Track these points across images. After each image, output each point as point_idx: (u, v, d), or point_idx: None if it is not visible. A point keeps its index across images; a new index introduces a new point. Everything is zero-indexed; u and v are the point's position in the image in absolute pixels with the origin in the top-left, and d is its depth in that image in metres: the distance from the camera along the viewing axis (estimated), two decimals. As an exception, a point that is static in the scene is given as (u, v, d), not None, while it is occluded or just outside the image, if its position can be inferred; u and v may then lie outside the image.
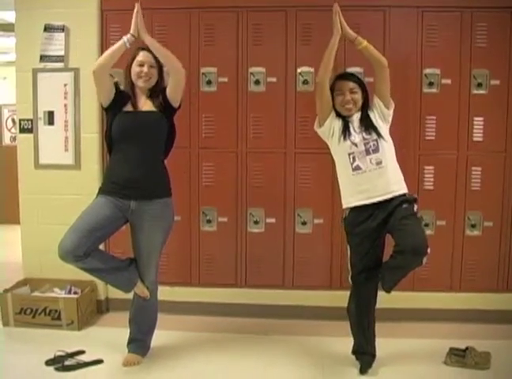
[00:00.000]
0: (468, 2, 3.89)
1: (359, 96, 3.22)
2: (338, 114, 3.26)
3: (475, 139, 3.99)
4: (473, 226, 4.03)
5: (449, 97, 3.92)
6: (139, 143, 3.21)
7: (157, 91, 3.31)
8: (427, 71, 3.94)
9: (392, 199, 3.13)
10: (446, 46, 3.93)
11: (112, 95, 3.28)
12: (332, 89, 3.25)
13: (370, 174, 3.13)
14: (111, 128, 3.25)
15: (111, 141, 3.30)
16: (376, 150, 3.14)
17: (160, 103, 3.28)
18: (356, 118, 3.23)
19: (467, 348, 3.42)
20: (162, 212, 3.31)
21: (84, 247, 3.11)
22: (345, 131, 3.19)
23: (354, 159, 3.16)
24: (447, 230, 4.04)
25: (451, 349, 3.45)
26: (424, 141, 3.99)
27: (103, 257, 3.32)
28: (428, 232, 3.96)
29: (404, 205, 3.13)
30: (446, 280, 4.09)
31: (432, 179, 4.00)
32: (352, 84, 3.21)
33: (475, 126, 3.97)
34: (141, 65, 3.23)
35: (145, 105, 3.29)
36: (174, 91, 3.30)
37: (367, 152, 3.14)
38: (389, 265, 3.13)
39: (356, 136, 3.17)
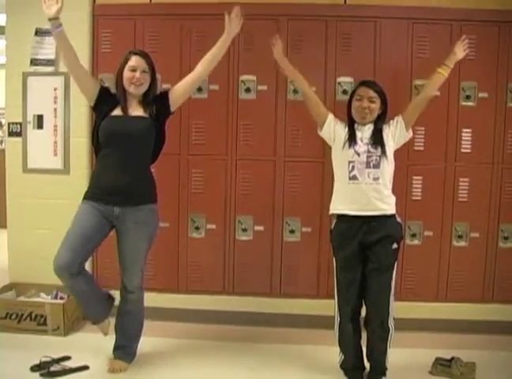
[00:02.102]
0: (458, 15, 3.93)
1: (376, 106, 3.22)
2: (350, 121, 3.28)
3: (463, 150, 4.02)
4: (460, 237, 4.06)
5: (438, 109, 3.94)
6: (125, 148, 3.19)
7: (150, 96, 3.29)
8: (417, 82, 3.96)
9: (382, 218, 3.16)
10: (435, 58, 3.90)
11: (95, 94, 3.27)
12: (352, 95, 3.27)
13: (366, 187, 3.15)
14: (98, 131, 3.24)
15: (97, 144, 3.28)
16: (377, 166, 3.15)
17: (152, 110, 3.26)
18: (368, 128, 3.23)
19: (452, 358, 3.44)
20: (147, 218, 3.30)
21: (78, 261, 3.15)
22: (351, 139, 3.20)
23: (353, 168, 3.16)
24: (434, 241, 4.06)
25: (437, 359, 3.48)
26: (413, 152, 4.00)
27: (92, 281, 3.35)
28: (415, 242, 4.01)
29: (394, 246, 3.18)
30: (433, 290, 4.11)
31: (420, 190, 4.03)
32: (372, 93, 3.20)
33: (463, 138, 4.00)
34: (134, 70, 3.20)
35: (136, 110, 3.27)
36: (182, 95, 3.35)
37: (367, 165, 3.15)
38: (368, 354, 3.29)
39: (362, 146, 3.18)
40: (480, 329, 4.03)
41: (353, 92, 3.29)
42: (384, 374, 3.27)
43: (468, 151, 4.02)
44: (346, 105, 3.32)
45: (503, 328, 4.02)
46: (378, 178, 3.15)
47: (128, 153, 3.20)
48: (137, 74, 3.20)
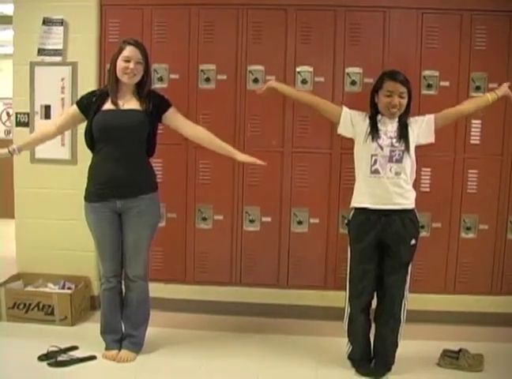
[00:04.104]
0: (468, 5, 3.89)
1: (405, 102, 3.14)
2: (374, 113, 3.21)
3: (472, 142, 3.99)
4: (468, 228, 4.04)
5: (447, 99, 3.88)
6: (119, 142, 3.20)
7: (144, 88, 3.27)
8: (426, 73, 3.94)
9: (401, 212, 3.14)
10: (445, 49, 3.93)
11: (82, 116, 3.32)
12: (379, 87, 3.18)
13: (387, 182, 3.11)
14: (91, 127, 3.24)
15: (91, 140, 3.28)
16: (399, 160, 3.11)
17: (149, 106, 3.25)
18: (392, 122, 3.17)
19: (460, 350, 3.43)
20: (148, 208, 3.32)
21: (120, 268, 3.40)
22: (373, 132, 3.14)
23: (375, 162, 3.12)
24: (443, 233, 4.05)
25: (445, 351, 3.46)
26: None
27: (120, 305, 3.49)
28: (424, 234, 3.97)
29: (412, 242, 3.18)
30: (441, 282, 4.10)
31: (429, 181, 4.00)
32: (402, 88, 3.12)
33: (472, 129, 3.97)
34: (128, 60, 3.18)
35: (129, 102, 3.26)
36: (173, 126, 3.39)
37: (390, 159, 3.11)
38: (376, 346, 3.30)
39: (385, 139, 3.13)
40: (488, 321, 4.01)
41: (379, 85, 3.18)
42: (390, 368, 3.27)
43: (478, 142, 4.00)
44: (369, 95, 3.25)
45: (511, 320, 4.01)
46: (399, 173, 3.12)
47: (122, 146, 3.21)
48: (131, 65, 3.18)
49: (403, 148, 3.12)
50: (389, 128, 3.16)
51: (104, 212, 3.28)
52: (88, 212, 3.34)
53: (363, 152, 3.19)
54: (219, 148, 3.40)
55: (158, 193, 3.40)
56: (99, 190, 3.26)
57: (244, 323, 4.04)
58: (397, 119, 3.18)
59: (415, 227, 3.21)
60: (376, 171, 3.13)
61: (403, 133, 3.15)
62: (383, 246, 3.18)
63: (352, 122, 3.24)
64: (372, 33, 3.94)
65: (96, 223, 3.32)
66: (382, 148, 3.12)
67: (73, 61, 4.06)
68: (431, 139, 3.26)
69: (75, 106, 3.35)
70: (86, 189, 3.33)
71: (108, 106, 3.25)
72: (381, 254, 3.21)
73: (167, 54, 4.01)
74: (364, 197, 3.18)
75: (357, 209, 3.23)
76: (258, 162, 3.33)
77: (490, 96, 3.36)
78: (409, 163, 3.15)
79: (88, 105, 3.28)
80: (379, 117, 3.20)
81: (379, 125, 3.17)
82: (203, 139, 3.41)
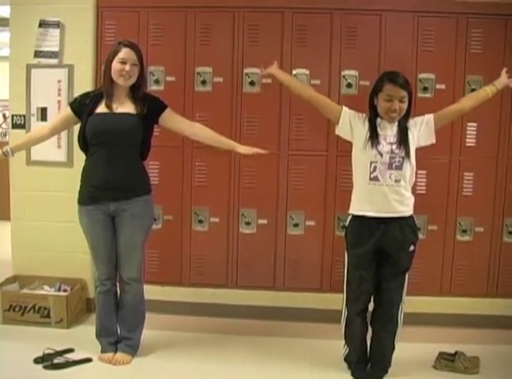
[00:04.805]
0: (464, 8, 3.90)
1: (405, 106, 3.07)
2: (372, 115, 3.15)
3: (468, 144, 4.00)
4: (464, 231, 4.04)
5: (443, 102, 3.85)
6: (112, 145, 3.19)
7: (140, 90, 3.27)
8: (422, 76, 3.95)
9: (401, 219, 3.12)
10: (441, 52, 3.94)
11: (76, 118, 3.31)
12: (378, 90, 3.10)
13: (386, 189, 3.06)
14: (85, 130, 3.23)
15: (85, 143, 3.27)
16: (399, 167, 3.06)
17: (143, 110, 3.24)
18: (391, 126, 3.12)
19: (456, 353, 3.43)
20: (142, 210, 3.31)
21: (114, 271, 3.40)
22: (373, 138, 3.08)
23: (375, 169, 3.06)
24: (438, 235, 4.05)
25: (440, 353, 3.47)
26: (417, 146, 3.99)
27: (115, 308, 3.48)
28: (420, 236, 3.95)
29: (411, 249, 3.17)
30: (436, 285, 4.10)
31: (424, 184, 4.00)
32: (403, 92, 3.04)
33: (468, 132, 3.98)
34: (123, 62, 3.16)
35: (123, 105, 3.25)
36: (169, 126, 3.38)
37: (390, 166, 3.05)
38: (373, 349, 3.29)
39: (385, 145, 3.07)
40: (483, 324, 4.01)
41: (378, 87, 3.10)
42: (387, 371, 3.27)
43: (473, 145, 4.00)
44: (368, 97, 3.19)
45: (507, 323, 4.02)
46: (399, 180, 3.07)
47: (115, 149, 3.20)
48: (127, 67, 3.16)
49: (403, 154, 3.06)
50: (388, 132, 3.10)
51: (97, 215, 3.28)
52: (81, 215, 3.34)
53: (361, 158, 3.13)
54: (218, 142, 3.42)
55: (152, 196, 3.40)
56: (93, 193, 3.25)
57: (240, 325, 4.04)
58: (396, 123, 3.12)
59: (414, 234, 3.20)
60: (375, 178, 3.07)
61: (403, 138, 3.09)
62: (382, 253, 3.16)
63: (350, 124, 3.18)
64: (368, 36, 3.95)
65: (90, 226, 3.32)
66: (381, 154, 3.06)
67: (70, 63, 4.05)
68: (432, 140, 3.23)
69: (68, 108, 3.35)
70: (79, 192, 3.33)
71: (102, 109, 3.24)
72: (378, 260, 3.19)
73: (164, 57, 4.01)
74: (363, 204, 3.13)
75: (355, 216, 3.19)
76: (260, 151, 3.33)
77: (489, 90, 3.33)
78: (409, 169, 3.10)
79: (82, 107, 3.28)
80: (378, 121, 3.14)
81: (378, 130, 3.11)
82: (201, 135, 3.42)
